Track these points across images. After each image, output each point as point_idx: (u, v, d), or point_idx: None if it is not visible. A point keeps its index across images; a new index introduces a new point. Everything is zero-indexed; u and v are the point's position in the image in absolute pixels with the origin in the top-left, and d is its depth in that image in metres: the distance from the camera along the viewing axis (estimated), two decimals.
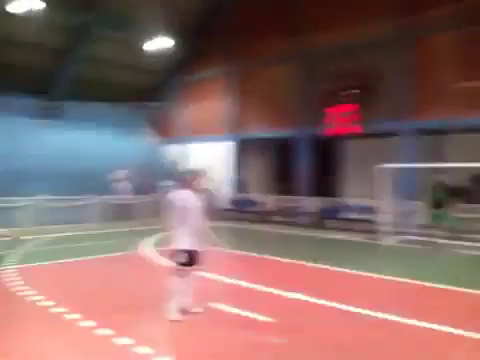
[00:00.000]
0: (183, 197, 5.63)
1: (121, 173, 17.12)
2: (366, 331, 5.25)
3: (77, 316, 5.44)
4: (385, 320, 5.57)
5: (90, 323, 5.20)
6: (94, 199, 14.76)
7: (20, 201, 13.33)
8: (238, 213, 18.88)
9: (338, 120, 16.87)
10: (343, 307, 6.09)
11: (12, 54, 18.20)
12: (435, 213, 11.61)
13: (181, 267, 5.47)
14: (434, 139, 17.43)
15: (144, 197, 16.54)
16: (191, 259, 5.49)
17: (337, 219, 16.05)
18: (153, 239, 12.16)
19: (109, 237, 12.91)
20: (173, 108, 23.64)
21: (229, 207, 19.52)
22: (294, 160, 19.00)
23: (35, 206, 13.42)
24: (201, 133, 22.10)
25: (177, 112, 23.60)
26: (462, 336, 5.01)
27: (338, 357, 4.44)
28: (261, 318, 5.56)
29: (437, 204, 11.47)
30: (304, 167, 18.54)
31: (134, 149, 21.11)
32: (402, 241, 12.81)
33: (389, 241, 12.58)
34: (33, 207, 13.41)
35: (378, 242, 12.63)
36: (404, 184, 15.16)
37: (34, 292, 6.44)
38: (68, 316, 5.47)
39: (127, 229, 14.07)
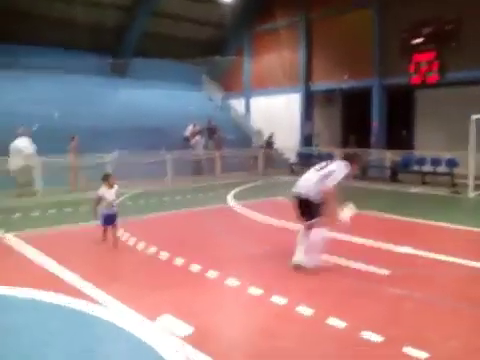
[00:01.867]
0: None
1: (193, 128, 17.30)
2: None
3: (198, 267, 5.63)
4: None
5: (215, 273, 5.38)
6: (171, 154, 15.01)
7: (100, 157, 13.73)
8: (306, 167, 18.68)
9: (415, 69, 16.06)
10: (451, 259, 5.98)
11: (77, 12, 18.33)
12: None
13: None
14: None
15: (216, 152, 16.64)
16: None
17: (414, 172, 15.54)
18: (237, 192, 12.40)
19: (196, 191, 13.10)
20: (239, 62, 23.27)
21: (297, 161, 19.38)
22: (366, 111, 18.42)
23: (116, 162, 13.80)
24: (268, 86, 21.74)
25: (244, 65, 23.24)
26: None
27: (469, 307, 4.38)
28: (378, 271, 5.54)
29: None
30: (376, 118, 17.97)
31: (201, 104, 21.19)
32: None
33: (473, 194, 12.13)
34: (114, 163, 13.79)
35: (463, 195, 12.20)
36: None
37: (153, 246, 6.67)
38: (194, 268, 5.65)
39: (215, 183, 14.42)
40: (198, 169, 16.13)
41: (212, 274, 5.36)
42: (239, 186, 13.80)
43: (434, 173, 15.10)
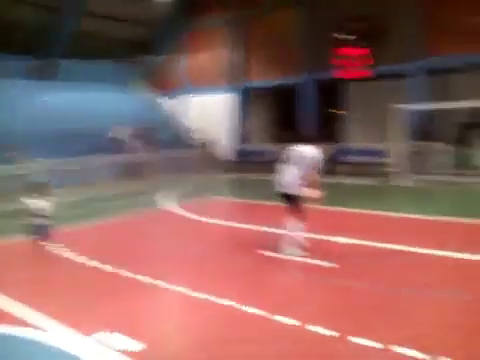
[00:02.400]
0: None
1: (122, 130, 16.78)
2: (420, 267, 5.32)
3: (141, 276, 5.38)
4: (438, 256, 5.65)
5: (158, 281, 5.16)
6: (104, 159, 14.45)
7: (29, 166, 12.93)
8: (244, 164, 18.77)
9: (346, 64, 16.56)
10: (391, 246, 6.18)
11: (3, 11, 17.17)
12: (458, 152, 11.59)
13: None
14: (443, 79, 17.30)
15: (153, 154, 16.22)
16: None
17: (347, 164, 16.02)
18: (177, 194, 12.10)
19: (131, 196, 12.66)
20: (173, 61, 22.83)
21: (234, 158, 19.38)
22: (299, 107, 18.76)
23: (44, 169, 13.05)
24: (202, 85, 21.55)
25: (177, 64, 22.83)
26: None
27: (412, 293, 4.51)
28: (324, 263, 5.58)
29: (460, 143, 11.46)
30: (310, 113, 18.35)
31: (134, 105, 20.58)
32: (419, 181, 12.95)
33: (406, 182, 12.70)
34: (42, 171, 13.04)
35: (394, 184, 12.73)
36: (415, 125, 15.16)
37: (91, 257, 6.31)
38: (136, 277, 5.39)
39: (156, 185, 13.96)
40: (135, 172, 15.63)
41: (155, 282, 5.14)
42: (178, 187, 13.53)
43: (366, 164, 15.66)
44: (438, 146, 15.36)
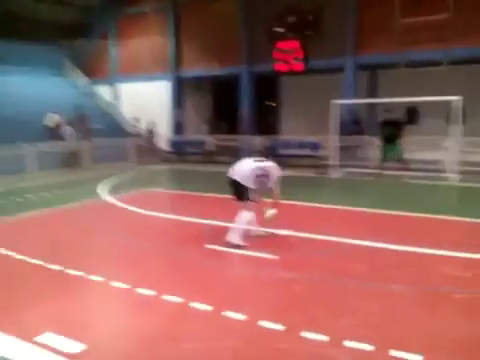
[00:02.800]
0: None
1: (56, 117, 15.92)
2: (357, 258, 5.53)
3: (80, 272, 5.13)
4: (371, 247, 5.90)
5: (100, 278, 4.95)
6: (38, 147, 13.63)
7: None
8: (180, 155, 18.56)
9: (280, 57, 16.76)
10: (329, 238, 6.32)
11: None
12: (385, 146, 12.16)
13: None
14: (373, 74, 18.10)
15: (88, 142, 15.50)
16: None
17: (281, 156, 16.25)
18: (115, 184, 11.65)
19: (67, 186, 11.93)
20: (107, 46, 21.90)
21: (169, 149, 19.06)
22: (235, 99, 18.79)
23: None
24: (137, 72, 20.93)
25: (110, 50, 21.94)
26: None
27: (352, 283, 4.66)
28: (268, 256, 5.62)
29: (387, 137, 12.01)
30: (245, 105, 18.44)
31: (65, 91, 19.59)
32: (350, 173, 13.48)
33: (337, 174, 13.16)
34: None
35: (327, 176, 13.14)
36: (347, 119, 15.74)
37: (25, 253, 5.92)
38: (75, 273, 5.13)
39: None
40: (68, 161, 14.87)
41: (96, 278, 4.91)
42: (114, 178, 13.08)
43: (300, 156, 16.04)
44: (368, 140, 16.11)
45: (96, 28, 22.14)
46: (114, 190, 10.83)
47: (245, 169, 6.07)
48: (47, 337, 3.58)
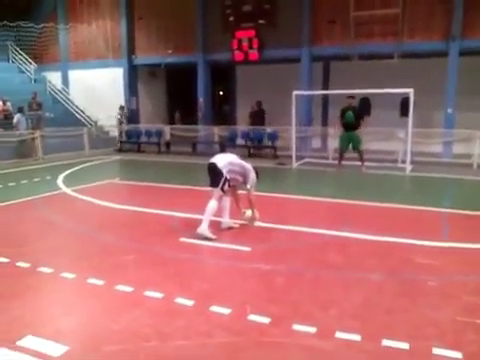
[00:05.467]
0: None
1: (3, 105, 15.09)
2: (328, 248, 5.66)
3: (49, 269, 4.91)
4: (337, 236, 6.06)
5: (72, 275, 4.76)
6: None
7: None
8: (134, 145, 18.12)
9: (238, 46, 16.68)
10: (299, 228, 6.46)
11: None
12: (344, 135, 12.38)
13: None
14: (325, 66, 18.42)
15: (39, 131, 14.76)
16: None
17: (238, 146, 16.26)
18: (69, 176, 11.18)
19: (21, 178, 11.18)
20: (54, 30, 20.84)
21: (123, 139, 18.56)
22: (191, 87, 18.54)
23: None
24: (88, 58, 20.14)
25: (59, 34, 20.89)
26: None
27: (330, 273, 4.77)
28: (240, 248, 5.62)
29: (347, 126, 12.22)
30: (202, 94, 18.24)
31: (9, 76, 18.55)
32: (308, 164, 13.71)
33: (295, 165, 13.34)
34: None
35: (285, 167, 13.28)
36: (304, 110, 15.97)
37: None
38: (44, 271, 4.90)
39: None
40: (20, 151, 14.10)
41: (68, 276, 4.73)
42: (68, 169, 12.57)
43: (258, 147, 16.13)
44: (322, 130, 16.48)
45: (43, 10, 21.02)
46: (73, 181, 10.44)
47: (225, 158, 6.31)
48: (28, 341, 3.41)
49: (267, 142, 15.95)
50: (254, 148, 16.02)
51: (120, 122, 18.72)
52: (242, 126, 17.95)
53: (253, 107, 17.38)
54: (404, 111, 14.42)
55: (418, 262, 5.10)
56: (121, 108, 18.98)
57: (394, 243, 5.77)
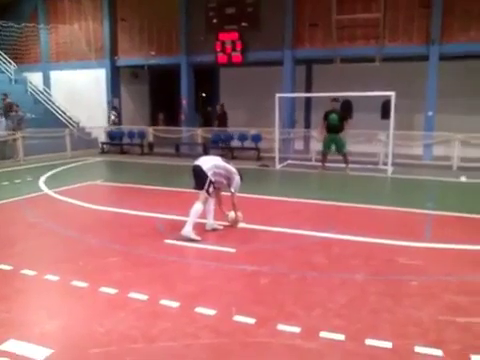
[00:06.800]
0: None
1: None
2: (311, 250, 5.71)
3: (33, 272, 4.85)
4: (322, 237, 6.13)
5: (56, 277, 4.71)
6: None
7: None
8: (116, 146, 17.98)
9: (221, 49, 16.70)
10: (283, 230, 6.53)
11: None
12: (328, 138, 12.48)
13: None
14: (308, 68, 18.57)
15: (20, 132, 14.51)
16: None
17: (223, 148, 16.28)
18: (51, 177, 11.03)
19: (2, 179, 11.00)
20: (35, 30, 20.52)
21: (105, 140, 18.40)
22: (175, 89, 18.49)
23: None
24: (70, 59, 19.92)
25: (40, 34, 20.60)
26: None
27: (305, 274, 4.82)
28: (224, 249, 5.64)
29: (331, 129, 12.33)
30: (185, 96, 18.21)
31: None
32: (291, 165, 13.80)
33: (278, 166, 13.41)
34: None
35: (269, 168, 13.34)
36: (287, 112, 16.06)
37: None
38: (28, 274, 4.84)
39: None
40: (1, 153, 13.85)
41: (51, 278, 4.68)
42: (52, 170, 12.41)
43: (242, 148, 16.15)
44: (305, 132, 16.61)
45: (24, 9, 20.70)
46: (55, 183, 10.31)
47: (210, 161, 6.32)
48: (11, 344, 3.37)
49: (251, 144, 15.98)
50: (238, 150, 16.04)
51: (113, 122, 18.55)
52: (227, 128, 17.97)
53: (218, 110, 17.53)
54: (385, 114, 14.65)
55: (401, 263, 5.19)
56: (114, 108, 18.85)
57: (377, 244, 5.86)
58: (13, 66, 19.95)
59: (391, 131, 12.13)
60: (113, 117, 18.60)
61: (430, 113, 14.56)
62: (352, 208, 8.08)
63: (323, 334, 3.52)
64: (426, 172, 12.30)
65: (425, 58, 14.43)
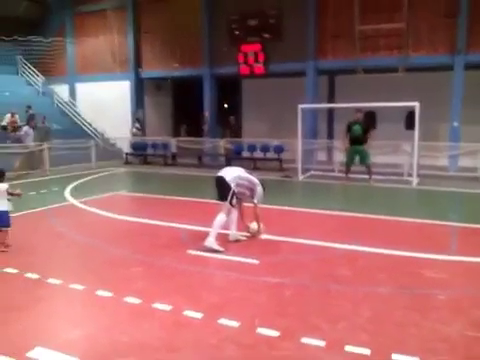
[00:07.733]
0: None
1: (9, 117, 15.24)
2: (336, 262, 5.64)
3: (59, 281, 4.93)
4: (346, 249, 6.05)
5: (82, 286, 4.77)
6: None
7: None
8: (140, 157, 18.21)
9: (244, 60, 16.83)
10: (307, 242, 6.45)
11: None
12: (351, 149, 12.37)
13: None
14: (330, 79, 18.53)
15: (47, 144, 14.82)
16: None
17: (245, 159, 16.32)
18: (77, 187, 11.22)
19: (28, 188, 11.03)
20: (62, 44, 21.11)
21: (130, 151, 18.65)
22: (197, 100, 18.67)
23: None
24: (95, 72, 20.37)
25: (67, 48, 21.18)
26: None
27: (337, 287, 4.75)
28: (248, 260, 5.62)
29: (354, 140, 12.22)
30: (208, 107, 18.36)
31: (18, 89, 18.75)
32: (314, 176, 13.71)
33: (303, 178, 13.35)
34: None
35: (293, 179, 13.28)
36: (310, 123, 16.02)
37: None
38: (53, 282, 4.93)
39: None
40: (28, 163, 14.14)
41: (77, 287, 4.74)
42: (78, 181, 12.64)
43: (264, 159, 16.15)
44: (328, 143, 16.51)
45: (52, 24, 21.32)
46: (81, 193, 10.49)
47: (233, 172, 6.35)
48: (37, 352, 3.42)
49: (273, 154, 15.96)
50: (260, 160, 16.04)
51: (135, 134, 18.82)
52: (248, 138, 18.02)
53: (231, 121, 18.05)
54: (410, 124, 14.45)
55: (427, 276, 5.08)
56: (137, 120, 19.14)
57: (403, 257, 5.75)
58: (41, 79, 20.50)
59: (416, 142, 11.97)
60: (135, 129, 18.86)
61: (455, 124, 14.32)
62: (376, 220, 7.97)
63: (348, 348, 3.46)
64: (452, 183, 12.06)
65: (450, 68, 14.24)
